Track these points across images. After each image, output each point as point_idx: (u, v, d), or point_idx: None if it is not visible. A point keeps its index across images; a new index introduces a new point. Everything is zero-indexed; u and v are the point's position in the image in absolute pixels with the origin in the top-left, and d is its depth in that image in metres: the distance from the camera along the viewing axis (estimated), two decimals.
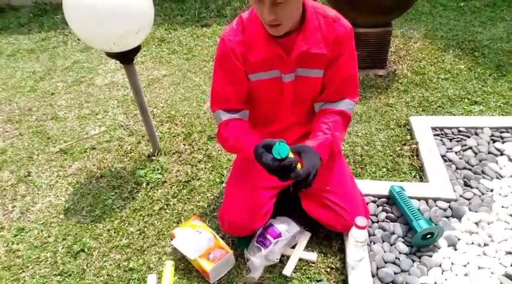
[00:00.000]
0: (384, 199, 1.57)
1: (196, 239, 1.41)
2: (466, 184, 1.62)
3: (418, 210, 1.48)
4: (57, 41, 3.18)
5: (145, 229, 1.60)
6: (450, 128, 1.89)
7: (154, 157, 1.93)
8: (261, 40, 1.21)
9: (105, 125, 2.21)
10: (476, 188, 1.59)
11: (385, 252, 1.39)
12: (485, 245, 1.39)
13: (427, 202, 1.55)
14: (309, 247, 1.46)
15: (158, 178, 1.82)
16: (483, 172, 1.66)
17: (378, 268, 1.34)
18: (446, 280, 1.30)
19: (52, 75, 2.73)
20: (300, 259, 1.42)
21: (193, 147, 2.00)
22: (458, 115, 2.05)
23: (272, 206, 1.42)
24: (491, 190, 1.58)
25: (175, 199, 1.72)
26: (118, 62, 1.64)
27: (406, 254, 1.38)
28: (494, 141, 1.81)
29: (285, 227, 1.42)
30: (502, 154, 1.74)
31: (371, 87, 2.30)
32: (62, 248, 1.56)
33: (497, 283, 1.28)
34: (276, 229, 1.40)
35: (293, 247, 1.45)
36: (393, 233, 1.45)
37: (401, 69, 2.45)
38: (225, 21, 3.23)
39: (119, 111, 2.32)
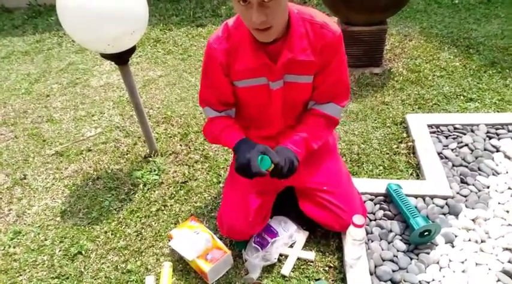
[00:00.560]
0: (381, 197, 1.57)
1: (194, 240, 1.41)
2: (462, 181, 1.62)
3: (415, 207, 1.48)
4: (52, 42, 3.16)
5: (143, 230, 1.59)
6: (446, 125, 1.90)
7: (150, 158, 1.93)
8: (247, 48, 1.19)
9: (101, 127, 2.21)
10: (473, 185, 1.60)
11: (382, 250, 1.39)
12: (482, 242, 1.39)
13: (424, 200, 1.55)
14: (306, 246, 1.46)
15: (155, 179, 1.82)
16: (479, 169, 1.67)
17: (376, 266, 1.34)
18: (444, 277, 1.30)
19: (47, 77, 2.71)
20: (298, 258, 1.42)
21: (189, 148, 1.99)
22: (454, 113, 2.05)
23: (270, 209, 1.42)
24: (488, 187, 1.59)
25: (173, 200, 1.71)
26: (113, 63, 1.63)
27: (403, 251, 1.38)
28: (490, 138, 1.81)
29: (283, 227, 1.42)
30: (498, 150, 1.75)
31: (367, 86, 2.31)
32: (59, 251, 1.55)
33: (494, 279, 1.28)
34: (273, 228, 1.40)
35: (291, 246, 1.45)
36: (391, 231, 1.45)
37: (397, 67, 2.46)
38: (220, 21, 3.22)
39: (114, 112, 2.31)
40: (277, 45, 1.18)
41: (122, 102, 2.39)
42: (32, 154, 2.05)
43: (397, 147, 1.87)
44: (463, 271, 1.31)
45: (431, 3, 3.21)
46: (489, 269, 1.31)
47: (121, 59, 1.58)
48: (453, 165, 1.70)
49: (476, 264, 1.33)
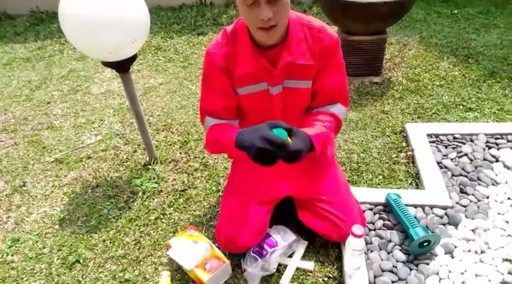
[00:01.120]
0: (380, 207, 1.57)
1: (192, 249, 1.40)
2: (462, 191, 1.62)
3: (415, 217, 1.48)
4: (54, 49, 3.18)
5: (141, 239, 1.59)
6: (445, 135, 1.90)
7: (150, 166, 1.93)
8: (247, 53, 1.20)
9: (101, 134, 2.21)
10: (472, 195, 1.60)
11: (382, 260, 1.38)
12: (482, 252, 1.39)
13: (423, 210, 1.55)
14: (306, 256, 1.45)
15: (154, 187, 1.82)
16: (479, 178, 1.67)
17: (375, 277, 1.33)
18: None
19: (48, 84, 2.72)
20: (297, 268, 1.41)
21: (189, 156, 1.99)
22: (454, 122, 2.06)
23: (268, 222, 1.41)
24: (487, 197, 1.59)
25: (172, 209, 1.71)
26: (114, 70, 1.64)
27: (403, 262, 1.38)
28: (489, 148, 1.81)
29: (282, 237, 1.41)
30: (497, 160, 1.75)
31: (366, 94, 2.31)
32: (57, 259, 1.55)
33: None
34: (273, 238, 1.39)
35: (290, 256, 1.44)
36: (390, 241, 1.45)
37: (397, 76, 2.47)
38: (221, 29, 3.24)
39: (115, 120, 2.32)
40: (276, 50, 1.20)
41: (122, 110, 2.40)
42: (31, 161, 2.05)
43: (397, 156, 1.88)
44: (463, 282, 1.31)
45: (431, 13, 3.24)
46: (489, 280, 1.31)
47: (122, 67, 1.58)
48: (452, 175, 1.70)
49: (476, 275, 1.32)
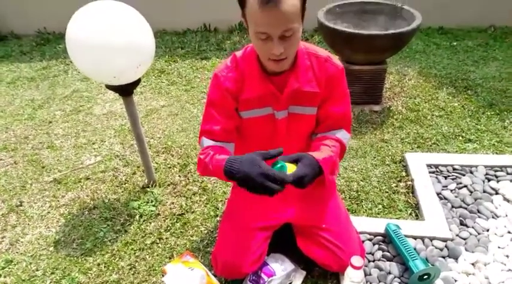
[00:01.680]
0: (380, 237, 1.55)
1: (188, 277, 1.38)
2: (462, 223, 1.61)
3: (415, 249, 1.46)
4: (58, 69, 3.23)
5: (137, 264, 1.56)
6: (445, 165, 1.90)
7: (148, 189, 1.92)
8: (254, 77, 1.24)
9: (101, 155, 2.21)
10: (472, 227, 1.58)
11: None
12: None
13: (423, 241, 1.53)
14: None
15: (152, 211, 1.80)
16: (479, 211, 1.66)
17: None
18: None
19: (51, 104, 2.75)
20: None
21: (188, 179, 1.99)
22: (453, 153, 2.06)
23: (266, 248, 1.40)
24: (487, 230, 1.57)
25: (168, 233, 1.69)
26: (117, 93, 1.66)
27: None
28: (489, 180, 1.81)
29: (280, 266, 1.39)
30: (497, 193, 1.74)
31: (366, 123, 2.33)
32: (50, 282, 1.51)
33: None
34: (270, 267, 1.37)
35: None
36: (389, 273, 1.42)
37: (396, 105, 2.49)
38: (224, 55, 3.30)
39: (115, 141, 2.32)
40: (283, 76, 1.24)
41: (123, 131, 2.41)
42: (29, 181, 2.04)
43: (396, 186, 1.87)
44: None
45: (430, 45, 3.30)
46: None
47: (125, 90, 1.60)
48: (452, 206, 1.69)
49: None
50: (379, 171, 1.97)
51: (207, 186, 1.93)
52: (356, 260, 1.23)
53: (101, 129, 2.45)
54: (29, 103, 2.76)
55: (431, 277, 1.34)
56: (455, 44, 3.29)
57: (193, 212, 1.79)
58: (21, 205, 1.89)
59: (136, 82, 1.59)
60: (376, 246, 1.52)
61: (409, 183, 1.85)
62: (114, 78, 1.47)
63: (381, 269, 1.43)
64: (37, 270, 1.57)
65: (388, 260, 1.47)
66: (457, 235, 1.55)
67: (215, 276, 1.43)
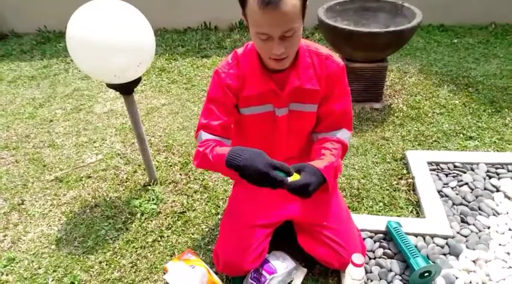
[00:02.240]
0: (380, 235, 1.56)
1: (189, 274, 1.38)
2: (462, 221, 1.61)
3: (415, 246, 1.46)
4: (59, 68, 3.23)
5: (138, 261, 1.57)
6: (446, 163, 1.90)
7: (150, 187, 1.92)
8: (255, 75, 1.24)
9: (102, 153, 2.21)
10: (473, 225, 1.58)
11: None
12: None
13: (424, 239, 1.53)
14: (305, 283, 1.43)
15: (153, 209, 1.80)
16: (480, 208, 1.66)
17: None
18: None
19: (52, 102, 2.75)
20: None
21: (189, 177, 1.99)
22: (454, 150, 2.06)
23: (267, 245, 1.40)
24: (488, 227, 1.57)
25: (170, 231, 1.69)
26: (118, 92, 1.66)
27: None
28: (490, 177, 1.81)
29: (281, 263, 1.39)
30: (498, 190, 1.74)
31: (367, 120, 2.33)
32: (52, 280, 1.52)
33: None
34: (272, 265, 1.38)
35: None
36: (390, 270, 1.42)
37: (397, 103, 2.49)
38: (224, 53, 3.30)
39: (116, 140, 2.33)
40: (284, 74, 1.24)
41: (124, 129, 2.41)
42: (31, 179, 2.04)
43: (397, 183, 1.87)
44: None
45: (431, 42, 3.30)
46: None
47: (126, 89, 1.60)
48: (453, 204, 1.69)
49: None
50: (380, 169, 1.97)
51: (208, 184, 1.93)
52: (357, 257, 1.24)
53: (102, 127, 2.45)
54: (30, 102, 2.77)
55: (432, 274, 1.34)
56: (456, 41, 3.28)
57: (194, 210, 1.79)
58: (22, 204, 1.89)
59: (137, 81, 1.59)
60: (377, 244, 1.52)
61: (410, 180, 1.85)
62: (114, 77, 1.47)
63: (381, 267, 1.44)
64: (39, 268, 1.57)
65: (389, 258, 1.47)
66: (458, 233, 1.55)
67: (216, 273, 1.44)
